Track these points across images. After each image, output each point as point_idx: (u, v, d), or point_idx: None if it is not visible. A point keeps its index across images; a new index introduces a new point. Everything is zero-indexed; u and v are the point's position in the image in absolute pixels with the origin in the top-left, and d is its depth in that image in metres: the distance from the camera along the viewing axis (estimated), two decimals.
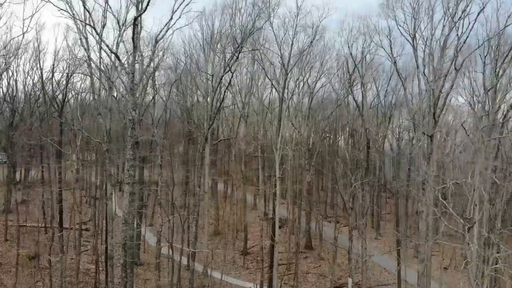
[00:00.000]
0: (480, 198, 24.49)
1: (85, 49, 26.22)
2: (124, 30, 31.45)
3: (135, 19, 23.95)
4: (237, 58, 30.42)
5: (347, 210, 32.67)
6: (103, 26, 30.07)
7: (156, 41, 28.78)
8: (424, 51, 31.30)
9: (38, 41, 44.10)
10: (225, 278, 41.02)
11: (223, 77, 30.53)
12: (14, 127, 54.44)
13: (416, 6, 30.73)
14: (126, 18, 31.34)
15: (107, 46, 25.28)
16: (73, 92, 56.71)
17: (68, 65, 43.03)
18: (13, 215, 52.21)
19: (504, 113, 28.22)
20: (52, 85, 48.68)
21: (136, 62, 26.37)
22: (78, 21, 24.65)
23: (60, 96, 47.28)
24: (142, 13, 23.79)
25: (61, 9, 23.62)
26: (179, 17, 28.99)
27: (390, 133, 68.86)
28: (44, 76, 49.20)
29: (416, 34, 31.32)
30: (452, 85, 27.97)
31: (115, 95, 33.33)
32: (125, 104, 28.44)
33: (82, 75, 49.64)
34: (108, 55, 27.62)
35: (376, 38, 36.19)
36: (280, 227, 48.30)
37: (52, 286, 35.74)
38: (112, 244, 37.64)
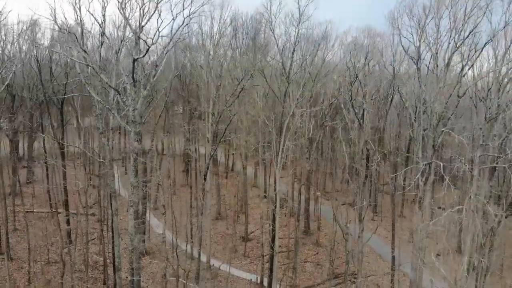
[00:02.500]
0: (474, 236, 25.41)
1: (85, 83, 25.94)
2: (123, 46, 31.03)
3: (134, 60, 23.59)
4: (238, 96, 30.04)
5: (344, 234, 33.69)
6: (101, 43, 29.74)
7: (156, 65, 28.46)
8: (427, 70, 30.95)
9: (34, 34, 42.86)
10: (226, 269, 43.02)
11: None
12: (14, 111, 54.50)
13: (423, 24, 29.95)
14: (124, 35, 30.75)
15: (107, 83, 25.05)
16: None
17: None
18: (19, 198, 53.58)
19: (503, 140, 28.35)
20: (51, 72, 47.92)
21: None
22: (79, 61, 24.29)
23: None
24: (141, 57, 23.42)
25: (58, 52, 23.15)
26: (178, 38, 28.71)
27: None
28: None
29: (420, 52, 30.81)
30: (453, 113, 27.93)
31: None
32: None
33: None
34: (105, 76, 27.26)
35: (377, 55, 35.37)
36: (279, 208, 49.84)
37: (63, 284, 37.51)
38: (117, 230, 38.25)
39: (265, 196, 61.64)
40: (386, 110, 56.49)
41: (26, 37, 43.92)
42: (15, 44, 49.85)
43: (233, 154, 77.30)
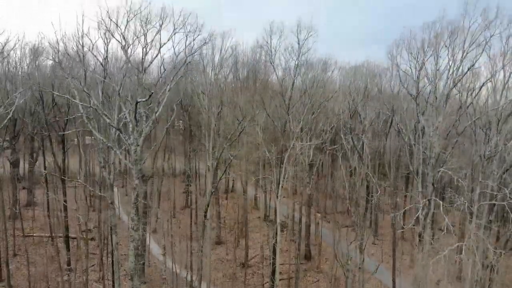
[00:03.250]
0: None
1: (88, 119, 26.20)
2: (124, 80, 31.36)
3: (137, 103, 23.87)
4: (239, 135, 30.49)
5: (345, 271, 33.70)
6: (103, 80, 30.10)
7: (159, 102, 28.77)
8: (426, 103, 31.26)
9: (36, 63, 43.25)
10: None
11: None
12: (16, 134, 54.85)
13: (421, 61, 30.29)
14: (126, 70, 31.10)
15: (110, 123, 25.31)
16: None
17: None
18: (19, 221, 53.38)
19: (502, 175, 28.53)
20: (53, 99, 48.28)
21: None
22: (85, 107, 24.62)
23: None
24: (144, 101, 23.72)
25: (59, 95, 23.43)
26: (181, 76, 29.07)
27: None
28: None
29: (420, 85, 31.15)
30: (451, 152, 28.17)
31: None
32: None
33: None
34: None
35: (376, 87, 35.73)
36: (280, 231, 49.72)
37: None
38: (117, 262, 38.37)
39: (265, 218, 61.63)
40: (386, 133, 56.73)
41: (28, 67, 44.32)
42: (18, 69, 50.40)
43: (233, 180, 77.34)
